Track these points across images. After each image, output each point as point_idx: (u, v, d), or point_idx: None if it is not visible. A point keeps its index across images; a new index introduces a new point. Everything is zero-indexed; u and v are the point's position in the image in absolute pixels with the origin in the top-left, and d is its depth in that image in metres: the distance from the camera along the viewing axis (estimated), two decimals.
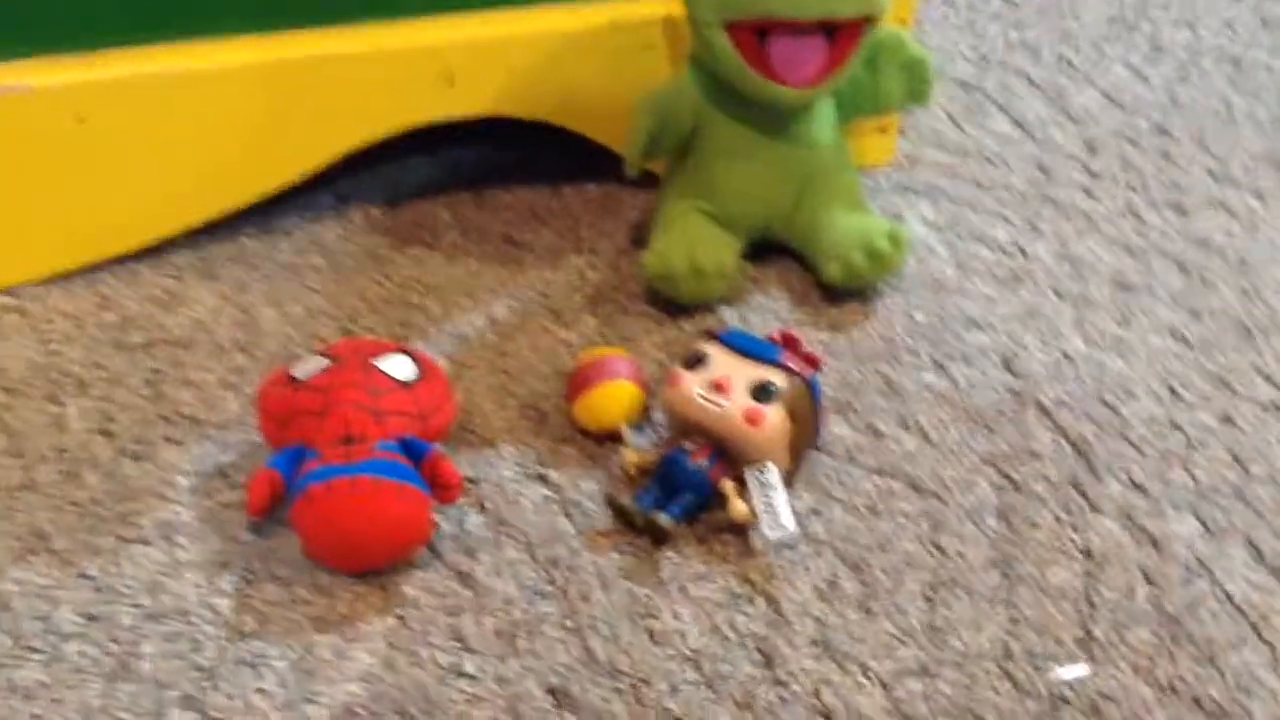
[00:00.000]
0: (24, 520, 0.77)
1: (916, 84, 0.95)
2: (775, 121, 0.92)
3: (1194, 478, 0.81)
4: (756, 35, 0.88)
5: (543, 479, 0.80)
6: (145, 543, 0.76)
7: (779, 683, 0.70)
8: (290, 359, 0.84)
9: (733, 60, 0.89)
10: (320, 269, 0.95)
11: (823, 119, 0.94)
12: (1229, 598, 0.74)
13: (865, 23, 0.89)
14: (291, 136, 0.93)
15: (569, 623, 0.72)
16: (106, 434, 0.82)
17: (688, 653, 0.71)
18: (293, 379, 0.78)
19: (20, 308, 0.90)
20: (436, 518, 0.76)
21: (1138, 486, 0.80)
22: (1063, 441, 0.83)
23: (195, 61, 0.89)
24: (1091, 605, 0.73)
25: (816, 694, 0.69)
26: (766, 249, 0.97)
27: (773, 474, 0.76)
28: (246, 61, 0.90)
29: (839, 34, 0.88)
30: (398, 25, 0.94)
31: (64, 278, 0.92)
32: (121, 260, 0.94)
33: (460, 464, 0.80)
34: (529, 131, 0.99)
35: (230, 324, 0.90)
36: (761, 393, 0.77)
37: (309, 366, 0.79)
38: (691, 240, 0.91)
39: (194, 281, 0.93)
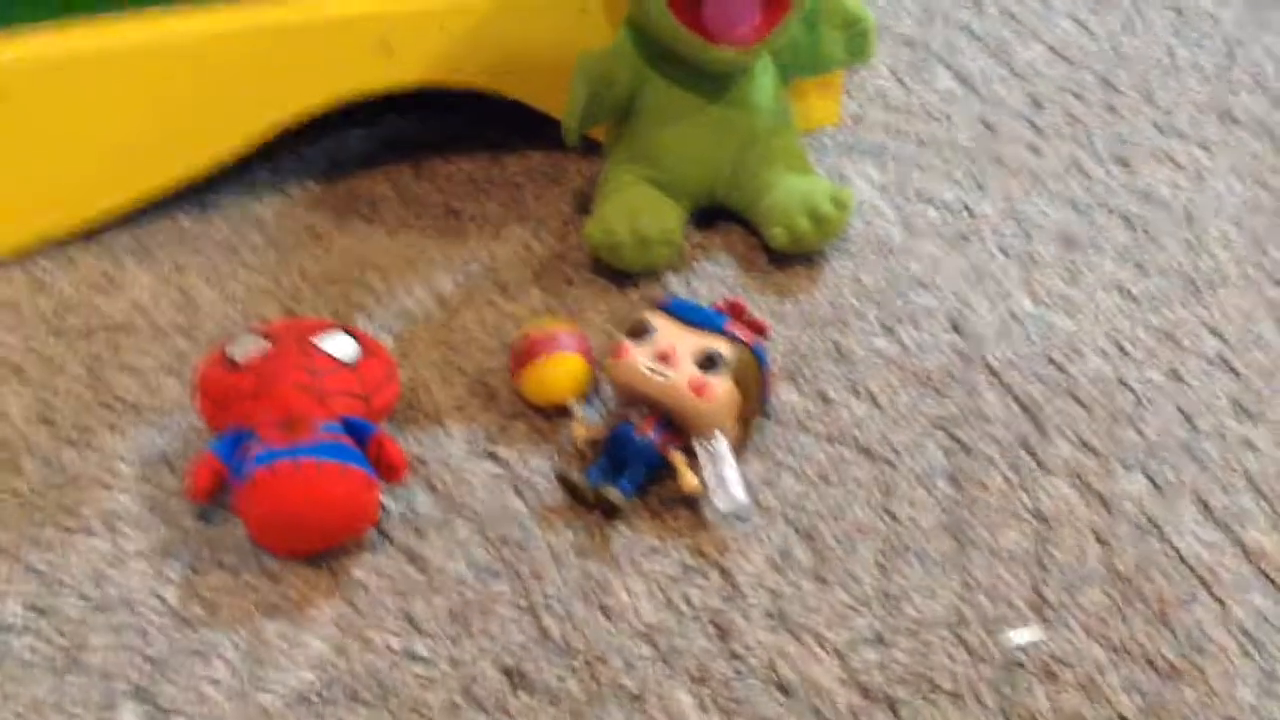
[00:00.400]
0: None
1: (857, 41, 0.95)
2: (714, 84, 0.91)
3: (1143, 435, 0.81)
4: None
5: (492, 456, 0.80)
6: (89, 532, 0.74)
7: (735, 656, 0.69)
8: (227, 339, 0.83)
9: (668, 21, 0.87)
10: (259, 247, 0.93)
11: (763, 80, 0.93)
12: (1179, 555, 0.74)
13: None
14: (225, 112, 0.91)
15: (522, 602, 0.72)
16: (46, 422, 0.81)
17: (642, 628, 0.71)
18: (230, 360, 0.77)
19: None
20: (385, 498, 0.75)
21: (1087, 446, 0.81)
22: (1011, 402, 0.83)
23: (123, 37, 0.87)
24: (1043, 567, 0.74)
25: (772, 666, 0.69)
26: (712, 214, 0.96)
27: (722, 444, 0.76)
28: (177, 35, 0.88)
29: None
30: None
31: None
32: (57, 245, 0.92)
33: (407, 443, 0.79)
34: (468, 101, 0.98)
35: (169, 307, 0.88)
36: (707, 362, 0.77)
37: (247, 347, 0.77)
38: (634, 208, 0.90)
39: (131, 264, 0.91)
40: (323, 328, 0.79)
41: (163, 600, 0.71)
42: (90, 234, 0.93)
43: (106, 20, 0.88)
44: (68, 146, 0.89)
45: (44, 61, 0.86)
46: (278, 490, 0.71)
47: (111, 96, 0.88)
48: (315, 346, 0.77)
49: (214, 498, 0.74)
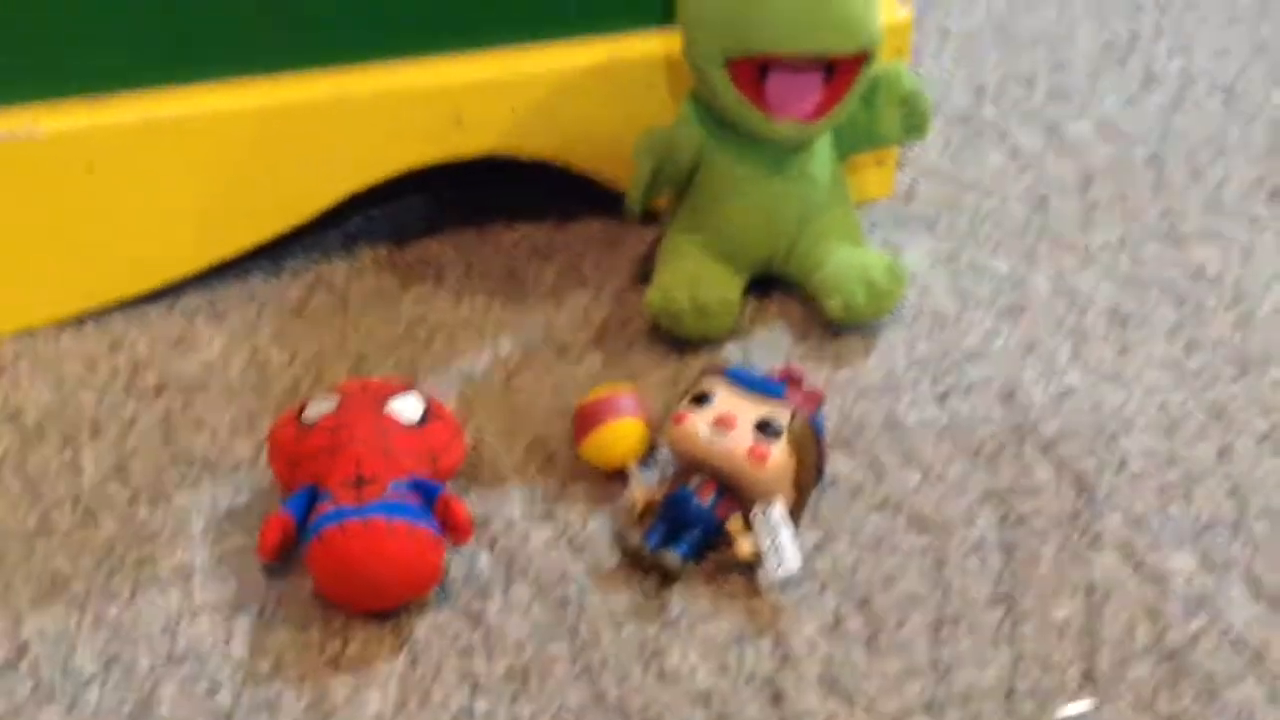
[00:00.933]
0: (41, 564, 0.78)
1: (914, 118, 0.97)
2: (774, 157, 0.94)
3: (1193, 511, 0.82)
4: (755, 72, 0.89)
5: (551, 518, 0.82)
6: (161, 586, 0.77)
7: None
8: (300, 399, 0.86)
9: (732, 97, 0.90)
10: (328, 308, 0.96)
11: (821, 154, 0.95)
12: (1229, 632, 0.75)
13: (863, 59, 0.90)
14: (300, 178, 0.94)
15: (579, 663, 0.74)
16: (121, 478, 0.83)
17: (696, 692, 0.72)
18: (303, 420, 0.80)
19: (33, 352, 0.91)
20: (448, 558, 0.77)
21: (1137, 521, 0.82)
22: (1063, 475, 0.85)
23: (203, 105, 0.91)
24: (1094, 641, 0.75)
25: None
26: (769, 284, 0.98)
27: (778, 511, 0.78)
28: (255, 104, 0.91)
29: (837, 70, 0.90)
30: (405, 66, 0.95)
31: (76, 321, 0.94)
32: (133, 303, 0.95)
33: (470, 503, 0.81)
34: (531, 169, 1.01)
35: (241, 365, 0.91)
36: (766, 429, 0.79)
37: (319, 407, 0.80)
38: (694, 277, 0.93)
39: (204, 324, 0.94)
40: (392, 389, 0.81)
41: (231, 654, 0.74)
42: (165, 293, 0.96)
43: (189, 89, 0.91)
44: (150, 212, 0.92)
45: (130, 130, 0.89)
46: (346, 548, 0.73)
47: (193, 163, 0.91)
48: (385, 407, 0.79)
49: (283, 555, 0.77)
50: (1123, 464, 0.85)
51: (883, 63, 0.94)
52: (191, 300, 0.96)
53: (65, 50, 0.88)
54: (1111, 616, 0.76)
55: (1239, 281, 1.00)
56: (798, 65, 0.89)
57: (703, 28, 0.89)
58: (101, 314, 0.94)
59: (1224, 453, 0.86)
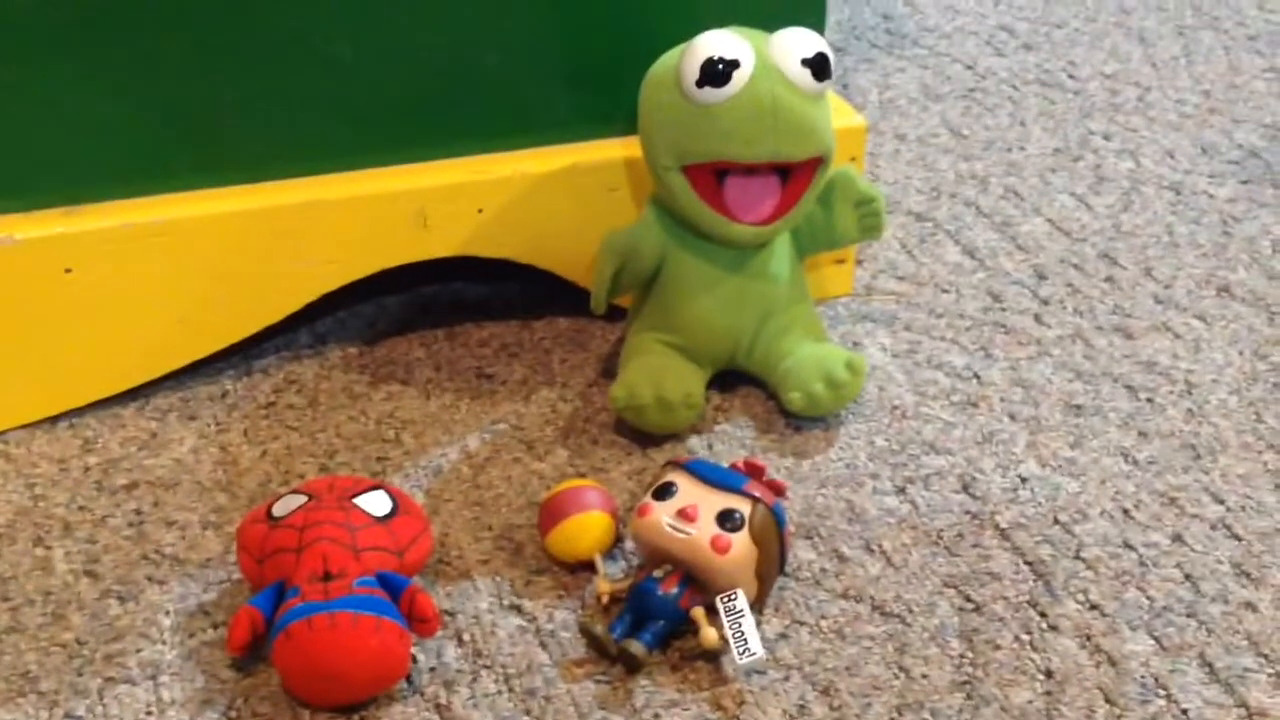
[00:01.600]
0: (11, 662, 0.78)
1: (869, 219, 1.00)
2: (735, 258, 0.96)
3: (1148, 597, 0.84)
4: (713, 176, 0.92)
5: (518, 609, 0.83)
6: (131, 682, 0.77)
7: None
8: (270, 496, 0.87)
9: (691, 201, 0.93)
10: (299, 407, 0.98)
11: (781, 254, 0.98)
12: (1185, 715, 0.77)
13: (817, 163, 0.93)
14: (272, 280, 0.96)
15: None
16: (91, 575, 0.84)
17: None
18: (271, 516, 0.81)
19: (6, 453, 0.93)
20: (415, 650, 0.78)
21: (1094, 606, 0.83)
22: (1020, 563, 0.86)
23: (178, 211, 0.93)
24: None
25: None
26: (732, 379, 1.00)
27: (741, 600, 0.79)
28: (228, 210, 0.94)
29: (792, 174, 0.93)
30: (374, 172, 0.98)
31: (49, 422, 0.95)
32: (105, 403, 0.96)
33: (437, 596, 0.82)
34: (498, 267, 1.03)
35: (211, 463, 0.93)
36: (727, 520, 0.80)
37: (287, 504, 0.81)
38: (657, 372, 0.95)
39: (175, 422, 0.96)
40: (360, 486, 0.82)
41: None
42: (136, 392, 0.97)
43: (164, 198, 0.94)
44: (126, 314, 0.94)
45: (106, 236, 0.92)
46: (314, 643, 0.74)
47: (169, 267, 0.94)
48: (352, 503, 0.81)
49: (251, 650, 0.77)
50: (1079, 551, 0.87)
51: (837, 166, 0.98)
52: (163, 399, 0.97)
53: (40, 166, 0.91)
54: (1070, 700, 0.77)
55: (1189, 374, 1.03)
56: (753, 170, 0.92)
57: (661, 135, 0.92)
58: (74, 414, 0.96)
59: (1177, 539, 0.88)
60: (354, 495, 0.81)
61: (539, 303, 1.08)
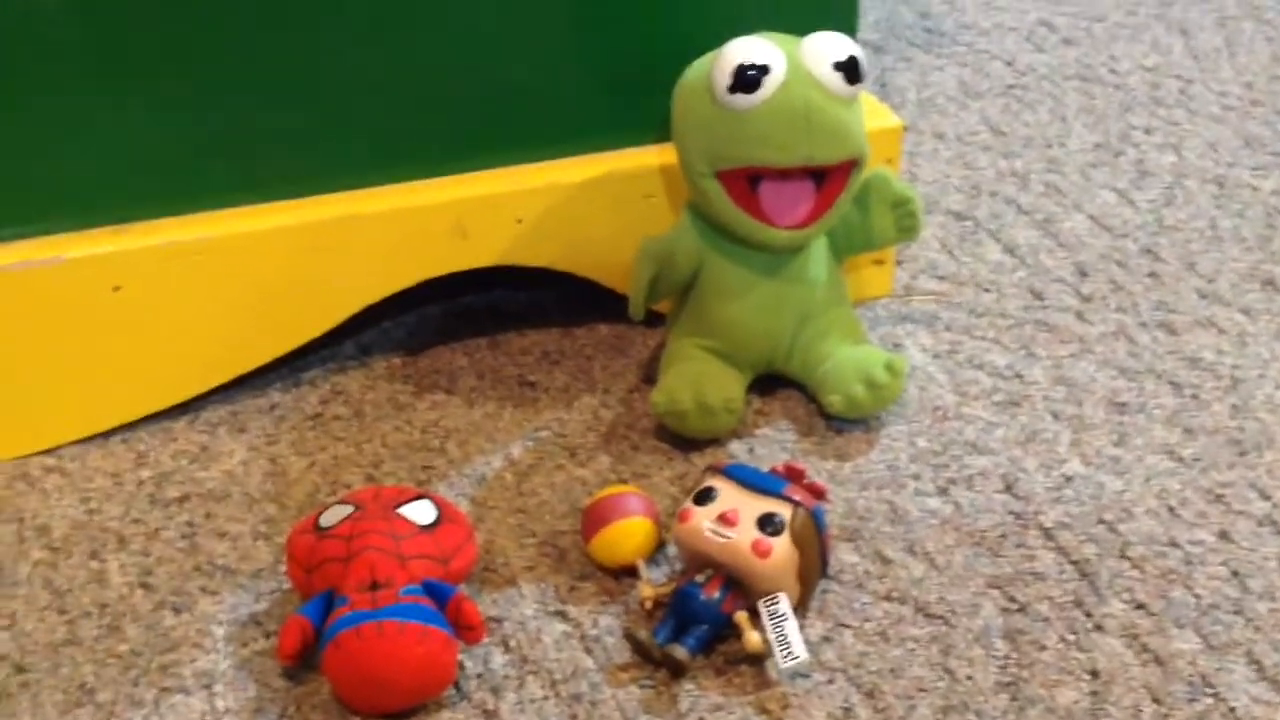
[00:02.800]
0: (68, 674, 0.80)
1: (906, 220, 1.00)
2: (772, 262, 0.97)
3: (1195, 595, 0.84)
4: (747, 182, 0.93)
5: (562, 615, 0.84)
6: (186, 692, 0.79)
7: None
8: (319, 506, 0.88)
9: (726, 206, 0.93)
10: (345, 418, 0.99)
11: (818, 257, 0.99)
12: (1232, 713, 0.76)
13: (851, 166, 0.94)
14: (316, 293, 0.98)
15: None
16: (146, 587, 0.86)
17: None
18: (319, 527, 0.82)
19: (61, 468, 0.95)
20: (462, 657, 0.79)
21: (1140, 605, 0.83)
22: (1065, 562, 0.86)
23: (223, 229, 0.95)
24: None
25: None
26: (772, 382, 1.01)
27: (783, 604, 0.79)
28: (272, 226, 0.95)
29: (826, 178, 0.93)
30: (413, 186, 0.99)
31: (102, 436, 0.97)
32: (156, 417, 0.98)
33: (483, 603, 0.83)
34: (538, 276, 1.04)
35: (260, 475, 0.94)
36: (768, 524, 0.81)
37: (334, 515, 0.82)
38: (697, 378, 0.95)
39: (225, 435, 0.97)
40: (405, 495, 0.84)
41: None
42: (187, 406, 0.99)
43: (209, 215, 0.95)
44: (174, 329, 0.96)
45: (154, 253, 0.93)
46: (362, 652, 0.75)
47: (215, 282, 0.95)
48: (398, 513, 0.82)
49: (301, 659, 0.79)
50: (1124, 550, 0.87)
51: (873, 168, 0.98)
52: (213, 413, 0.99)
53: (89, 185, 0.93)
54: (1116, 700, 0.77)
55: (1235, 369, 1.02)
56: (788, 175, 0.92)
57: (695, 142, 0.93)
58: (127, 429, 0.97)
59: (1223, 536, 0.88)
60: (399, 505, 0.83)
61: (579, 310, 1.09)
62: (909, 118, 1.34)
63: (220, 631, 0.83)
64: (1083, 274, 1.13)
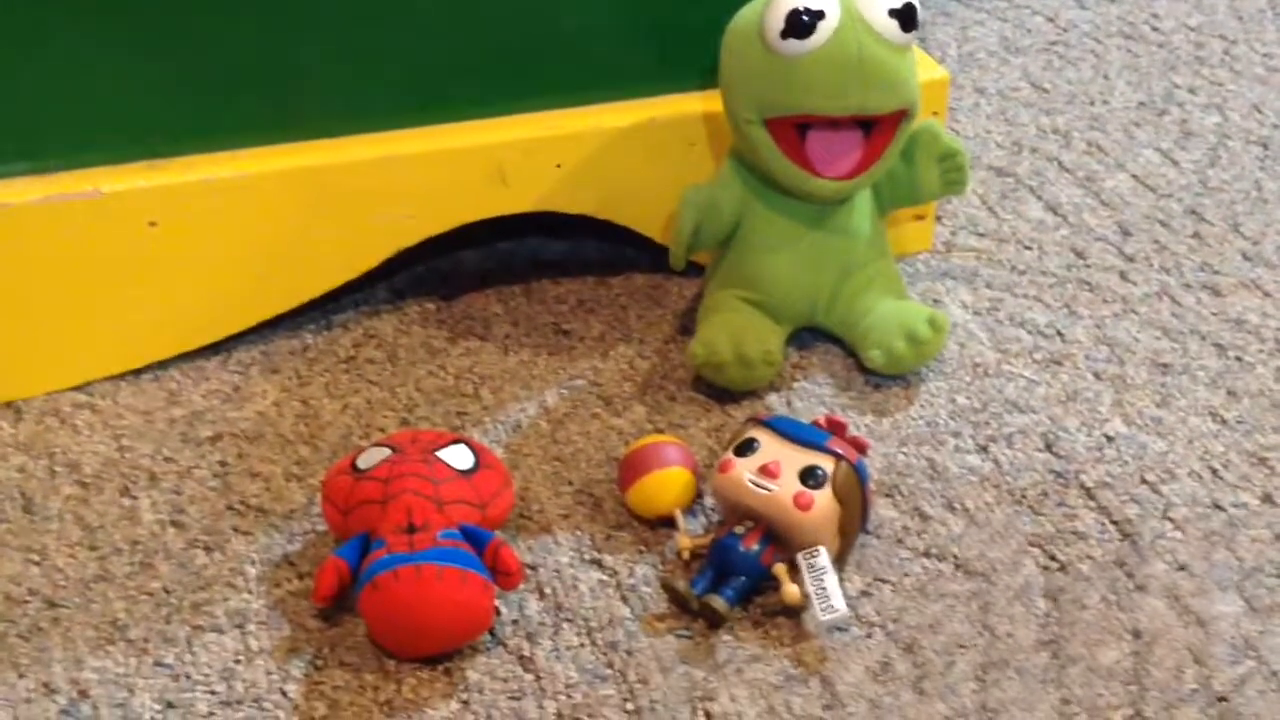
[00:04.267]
0: (100, 610, 0.79)
1: (952, 174, 0.98)
2: (815, 213, 0.95)
3: (1237, 557, 0.83)
4: (795, 130, 0.91)
5: (599, 564, 0.83)
6: (219, 631, 0.78)
7: None
8: (352, 449, 0.87)
9: (773, 154, 0.92)
10: (378, 361, 0.98)
11: (861, 210, 0.97)
12: (1275, 675, 0.75)
13: (901, 117, 0.92)
14: (351, 235, 0.97)
15: (629, 705, 0.74)
16: (178, 525, 0.85)
17: None
18: (356, 469, 0.81)
19: (92, 404, 0.94)
20: (498, 603, 0.79)
21: (1182, 567, 0.82)
22: (1106, 522, 0.85)
23: (260, 166, 0.93)
24: (1141, 685, 0.75)
25: None
26: (810, 336, 0.99)
27: (823, 557, 0.79)
28: (308, 165, 0.94)
29: (875, 128, 0.92)
30: (453, 128, 0.97)
31: (133, 374, 0.96)
32: (188, 356, 0.97)
33: (519, 550, 0.83)
34: (575, 223, 1.03)
35: (293, 417, 0.93)
36: (810, 477, 0.80)
37: (372, 457, 0.82)
38: (736, 329, 0.94)
39: (257, 376, 0.96)
40: (443, 440, 0.83)
41: (287, 696, 0.75)
42: (219, 346, 0.98)
43: (245, 153, 0.94)
44: (208, 268, 0.95)
45: (190, 190, 0.92)
46: (400, 594, 0.74)
47: (250, 222, 0.94)
48: (436, 457, 0.81)
49: (336, 600, 0.78)
50: (1166, 511, 0.86)
51: (920, 120, 0.96)
52: (245, 353, 0.98)
53: (124, 120, 0.91)
54: (1159, 661, 0.76)
55: (1279, 332, 1.01)
56: (837, 124, 0.91)
57: (743, 89, 0.91)
58: (158, 367, 0.97)
59: (1266, 499, 0.87)
60: (437, 449, 0.82)
61: (614, 260, 1.07)
62: (950, 72, 1.32)
63: (253, 571, 0.82)
64: (1126, 233, 1.11)
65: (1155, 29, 1.42)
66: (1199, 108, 1.28)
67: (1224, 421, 0.93)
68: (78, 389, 0.95)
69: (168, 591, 0.81)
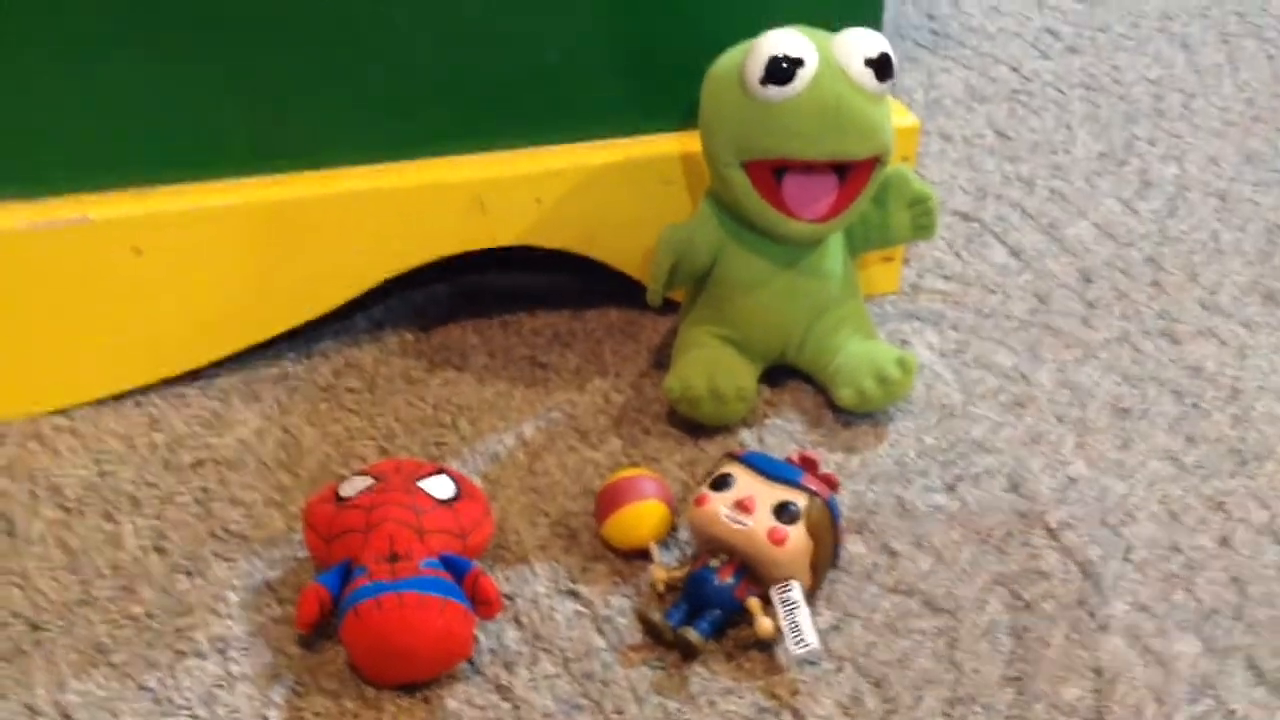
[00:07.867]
0: (84, 634, 0.80)
1: (922, 219, 1.01)
2: (789, 254, 0.98)
3: (1196, 599, 0.85)
4: (772, 173, 0.94)
5: (575, 595, 0.84)
6: (201, 656, 0.79)
7: None
8: (333, 477, 0.88)
9: (750, 196, 0.94)
10: (358, 390, 0.99)
11: (834, 251, 1.00)
12: (1232, 715, 0.78)
13: (875, 162, 0.95)
14: (332, 267, 0.98)
15: None
16: (160, 550, 0.86)
17: None
18: (339, 497, 0.82)
19: (74, 428, 0.94)
20: (476, 632, 0.80)
21: (1143, 608, 0.85)
22: (1070, 562, 0.88)
23: (244, 196, 0.95)
24: None
25: None
26: (781, 373, 1.02)
27: (796, 591, 0.80)
28: (292, 196, 0.96)
29: (850, 173, 0.94)
30: (434, 162, 0.99)
31: (115, 399, 0.97)
32: (170, 383, 0.98)
33: (496, 580, 0.84)
34: (545, 258, 1.05)
35: (274, 444, 0.94)
36: (784, 513, 0.82)
37: (354, 485, 0.83)
38: (711, 365, 0.96)
39: (238, 403, 0.97)
40: (425, 469, 0.84)
41: None
42: (200, 373, 0.99)
43: (231, 183, 0.95)
44: (192, 295, 0.96)
45: (176, 218, 0.93)
46: (382, 622, 0.76)
47: (234, 250, 0.95)
48: (419, 487, 0.82)
49: (317, 627, 0.79)
50: (1127, 553, 0.89)
51: (891, 166, 0.99)
52: (226, 381, 0.99)
53: (114, 147, 0.92)
54: (1120, 698, 0.79)
55: (1235, 380, 1.04)
56: (812, 168, 0.93)
57: (723, 132, 0.94)
58: (140, 393, 0.97)
59: (1224, 542, 0.90)
60: (419, 478, 0.83)
61: (589, 294, 1.09)
62: (916, 118, 1.35)
63: (234, 597, 0.83)
64: (1087, 280, 1.14)
65: (1116, 81, 1.46)
66: (1158, 159, 1.32)
67: (1182, 466, 0.96)
68: (60, 413, 0.95)
69: (150, 616, 0.82)
